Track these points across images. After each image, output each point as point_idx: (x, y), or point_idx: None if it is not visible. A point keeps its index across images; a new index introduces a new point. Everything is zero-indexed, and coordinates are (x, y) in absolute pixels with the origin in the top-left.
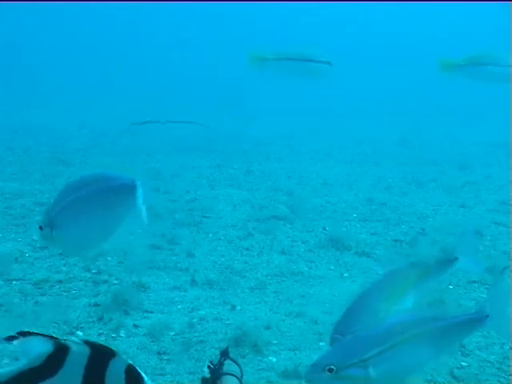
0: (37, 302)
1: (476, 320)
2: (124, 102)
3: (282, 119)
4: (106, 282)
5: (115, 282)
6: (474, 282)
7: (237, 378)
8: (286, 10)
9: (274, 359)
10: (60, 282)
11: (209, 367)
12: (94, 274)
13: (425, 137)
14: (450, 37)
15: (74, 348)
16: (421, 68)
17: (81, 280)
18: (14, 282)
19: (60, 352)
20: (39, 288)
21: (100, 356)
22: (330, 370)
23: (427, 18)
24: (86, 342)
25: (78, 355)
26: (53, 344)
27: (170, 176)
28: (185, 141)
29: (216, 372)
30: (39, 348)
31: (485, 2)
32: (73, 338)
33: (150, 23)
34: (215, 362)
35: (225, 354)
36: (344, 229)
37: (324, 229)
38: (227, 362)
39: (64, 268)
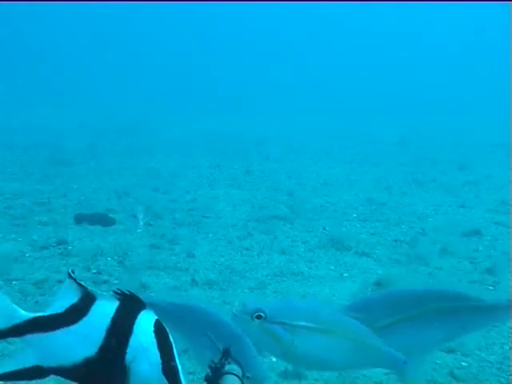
0: (37, 302)
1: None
2: (124, 102)
3: (282, 119)
4: (106, 282)
5: (115, 282)
6: (475, 282)
7: (238, 377)
8: (287, 10)
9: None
10: (60, 282)
11: (210, 367)
12: (94, 274)
13: (425, 137)
14: (451, 37)
15: (101, 299)
16: (421, 68)
17: (81, 280)
18: (13, 282)
19: (86, 301)
20: (39, 288)
21: (128, 309)
22: (259, 317)
23: (427, 17)
24: (117, 293)
25: (105, 306)
26: (80, 293)
27: (170, 176)
28: (185, 141)
29: (217, 371)
30: (67, 294)
31: (485, 2)
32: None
33: (150, 24)
34: (217, 361)
35: (226, 353)
36: (344, 229)
37: (324, 229)
38: (229, 362)
39: (64, 268)
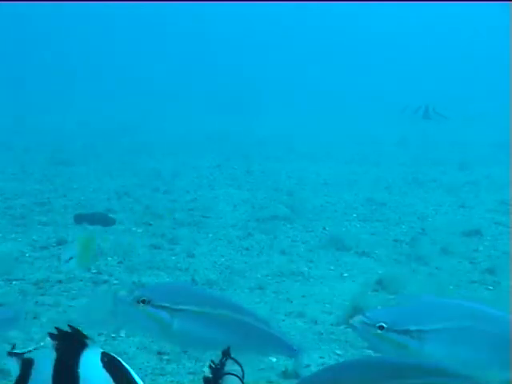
0: (37, 302)
1: None
2: (124, 102)
3: (282, 119)
4: (106, 282)
5: (115, 282)
6: (475, 282)
7: (238, 377)
8: (287, 10)
9: (274, 359)
10: (60, 282)
11: (210, 367)
12: (94, 274)
13: (425, 137)
14: (450, 37)
15: (38, 358)
16: (421, 68)
17: (81, 280)
18: (14, 282)
19: (26, 368)
20: (39, 288)
21: (68, 352)
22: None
23: (427, 17)
24: (54, 343)
25: (44, 362)
26: (20, 363)
27: (170, 176)
28: (185, 141)
29: (217, 372)
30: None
31: (485, 2)
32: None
33: (150, 22)
34: (217, 361)
35: (226, 353)
36: (344, 229)
37: (324, 229)
38: (229, 362)
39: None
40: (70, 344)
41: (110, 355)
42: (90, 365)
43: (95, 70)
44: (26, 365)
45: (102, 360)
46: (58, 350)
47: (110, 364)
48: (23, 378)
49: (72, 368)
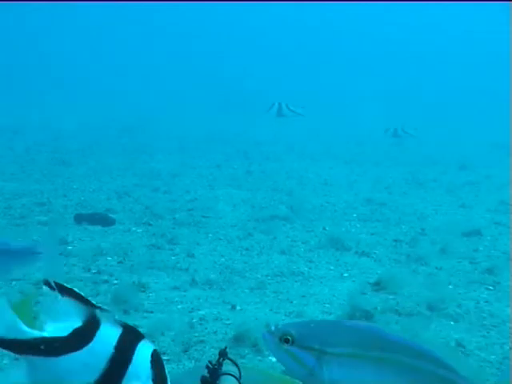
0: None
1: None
2: (124, 102)
3: (281, 119)
4: (106, 281)
5: (115, 281)
6: (475, 282)
7: (235, 378)
8: (287, 10)
9: (274, 359)
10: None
11: (207, 367)
12: (93, 273)
13: (424, 137)
14: (450, 37)
15: (105, 324)
16: (420, 68)
17: (81, 280)
18: (13, 282)
19: (91, 326)
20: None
21: (129, 337)
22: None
23: (427, 18)
24: (122, 323)
25: (109, 333)
26: (85, 314)
27: (170, 176)
28: (185, 141)
29: (215, 372)
30: (71, 314)
31: (485, 2)
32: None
33: (151, 22)
34: (214, 362)
35: (223, 354)
36: (344, 229)
37: (324, 229)
38: (226, 362)
39: (64, 268)
40: (133, 329)
41: (159, 355)
42: (142, 356)
43: (96, 70)
44: (94, 322)
45: (152, 356)
46: (123, 328)
47: (156, 363)
48: (86, 334)
49: (129, 351)
